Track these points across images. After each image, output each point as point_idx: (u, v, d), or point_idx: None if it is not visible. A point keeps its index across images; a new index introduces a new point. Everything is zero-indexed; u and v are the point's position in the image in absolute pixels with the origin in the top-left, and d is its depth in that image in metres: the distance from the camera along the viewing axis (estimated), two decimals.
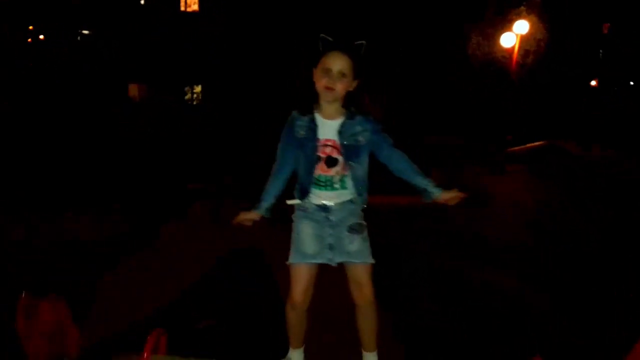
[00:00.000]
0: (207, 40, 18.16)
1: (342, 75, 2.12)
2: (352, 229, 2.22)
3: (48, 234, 5.55)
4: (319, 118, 2.20)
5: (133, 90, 19.95)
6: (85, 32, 20.22)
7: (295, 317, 2.29)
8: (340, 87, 2.13)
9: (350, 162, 2.19)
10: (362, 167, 2.22)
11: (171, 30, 18.36)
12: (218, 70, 18.26)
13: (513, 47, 15.07)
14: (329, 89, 2.12)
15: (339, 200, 2.23)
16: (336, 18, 14.93)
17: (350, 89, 2.17)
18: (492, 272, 4.62)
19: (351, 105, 2.21)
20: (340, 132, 2.18)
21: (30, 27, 19.67)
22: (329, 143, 2.18)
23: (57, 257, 4.74)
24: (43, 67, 17.81)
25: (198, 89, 20.52)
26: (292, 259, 2.23)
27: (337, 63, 2.12)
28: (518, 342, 3.14)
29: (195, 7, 19.84)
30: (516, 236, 5.97)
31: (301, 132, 2.18)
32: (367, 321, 2.29)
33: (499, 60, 16.23)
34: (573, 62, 19.87)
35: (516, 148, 13.04)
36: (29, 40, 20.15)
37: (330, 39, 2.17)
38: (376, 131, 2.22)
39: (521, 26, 14.76)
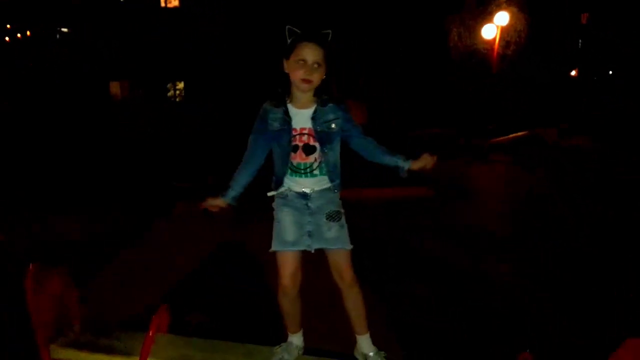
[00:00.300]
0: (188, 36, 18.01)
1: (318, 65, 2.16)
2: (330, 216, 2.27)
3: (37, 233, 5.54)
4: (292, 109, 2.24)
5: (115, 87, 19.74)
6: (64, 29, 19.95)
7: (288, 302, 2.35)
8: (317, 77, 2.17)
9: (323, 148, 2.23)
10: (334, 153, 2.27)
11: (152, 27, 18.19)
12: (200, 67, 18.14)
13: (494, 39, 15.24)
14: (306, 80, 2.15)
15: (318, 187, 2.28)
16: (321, 13, 14.93)
17: (323, 77, 2.21)
18: (477, 261, 4.72)
19: (323, 93, 2.24)
20: (314, 119, 2.22)
21: (8, 26, 19.37)
22: (305, 131, 2.22)
23: (47, 256, 4.73)
24: (22, 67, 17.56)
25: (180, 85, 20.36)
26: (274, 246, 2.28)
27: (313, 54, 2.15)
28: (508, 335, 3.22)
29: (176, 2, 19.65)
30: (501, 225, 6.07)
31: (275, 125, 2.22)
32: (352, 304, 2.34)
33: (480, 52, 16.38)
34: (553, 52, 20.09)
35: (499, 138, 13.19)
36: (7, 39, 19.85)
37: (297, 30, 2.20)
38: (347, 119, 2.27)
39: (502, 17, 14.93)
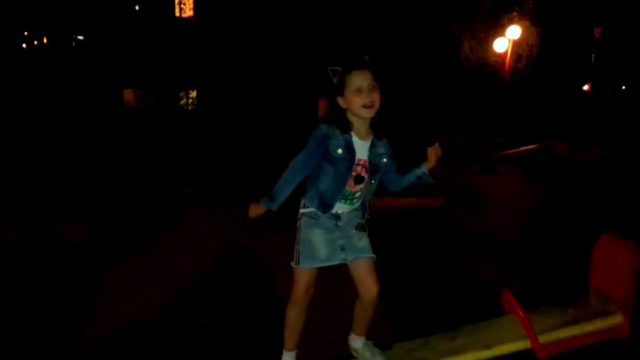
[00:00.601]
0: (202, 46, 18.21)
1: (374, 87, 2.21)
2: (358, 227, 2.36)
3: (46, 235, 5.61)
4: (355, 139, 2.27)
5: (128, 95, 19.98)
6: (80, 37, 20.26)
7: (296, 314, 2.40)
8: (377, 99, 2.22)
9: (371, 179, 2.33)
10: (374, 185, 2.39)
11: (166, 36, 18.42)
12: (213, 76, 18.31)
13: (506, 52, 15.25)
14: (368, 106, 2.20)
15: (349, 210, 2.37)
16: (333, 21, 15.03)
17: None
18: (485, 268, 4.72)
19: (378, 125, 2.31)
20: (370, 152, 2.30)
21: (26, 34, 19.68)
22: (361, 162, 2.29)
23: (55, 258, 4.79)
24: (39, 73, 17.83)
25: (193, 94, 20.54)
26: (304, 263, 2.31)
27: (366, 79, 2.20)
28: None
29: (190, 12, 19.90)
30: (509, 234, 6.07)
31: (339, 151, 2.23)
32: (366, 313, 2.40)
33: (492, 65, 16.39)
34: (565, 66, 20.03)
35: (509, 151, 13.16)
36: (24, 46, 20.18)
37: (339, 68, 2.25)
38: (392, 156, 2.37)
39: (513, 31, 14.95)
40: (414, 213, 6.91)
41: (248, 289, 4.06)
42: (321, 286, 2.46)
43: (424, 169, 2.36)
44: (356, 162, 2.28)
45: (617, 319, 2.40)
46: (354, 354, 2.51)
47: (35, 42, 20.48)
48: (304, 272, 2.34)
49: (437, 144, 2.35)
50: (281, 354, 2.51)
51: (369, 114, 2.22)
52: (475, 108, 16.60)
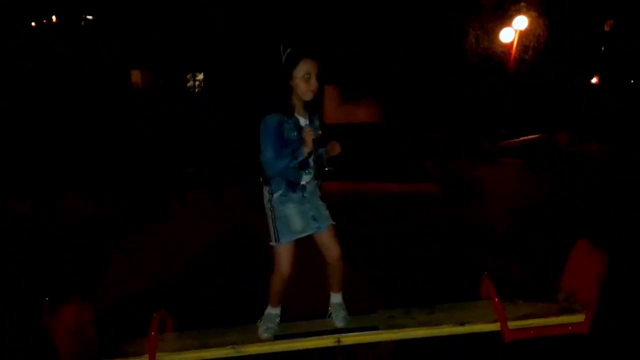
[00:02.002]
0: (210, 28, 18.27)
1: (318, 77, 2.48)
2: (322, 198, 2.64)
3: (55, 211, 5.80)
4: (300, 119, 2.53)
5: (135, 76, 20.11)
6: (89, 17, 20.32)
7: (281, 284, 2.66)
8: (317, 88, 2.49)
9: (316, 150, 2.54)
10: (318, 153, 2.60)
11: (174, 17, 18.46)
12: (220, 58, 18.40)
13: (512, 43, 15.25)
14: (313, 91, 2.48)
15: (309, 180, 2.61)
16: (337, 11, 15.06)
17: None
18: (481, 256, 4.87)
19: (311, 104, 2.55)
20: (311, 127, 2.53)
21: (33, 24, 19.68)
22: None
23: (64, 231, 4.98)
24: (47, 53, 17.94)
25: (200, 76, 20.66)
26: (284, 239, 2.54)
27: (315, 67, 2.46)
28: None
29: None
30: (506, 224, 6.20)
31: (293, 134, 2.47)
32: (336, 273, 2.71)
33: (498, 55, 16.37)
34: (573, 58, 19.96)
35: (510, 141, 13.24)
36: (33, 24, 20.27)
37: (299, 49, 2.48)
38: (321, 125, 2.63)
39: (520, 22, 14.93)
40: (411, 202, 7.02)
41: (247, 263, 4.23)
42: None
43: (324, 151, 2.60)
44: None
45: (579, 317, 2.68)
46: (330, 308, 2.79)
47: (45, 21, 20.54)
48: (284, 248, 2.57)
49: (336, 143, 2.57)
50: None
51: (308, 97, 2.49)
52: (479, 99, 16.61)
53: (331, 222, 2.62)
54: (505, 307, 2.70)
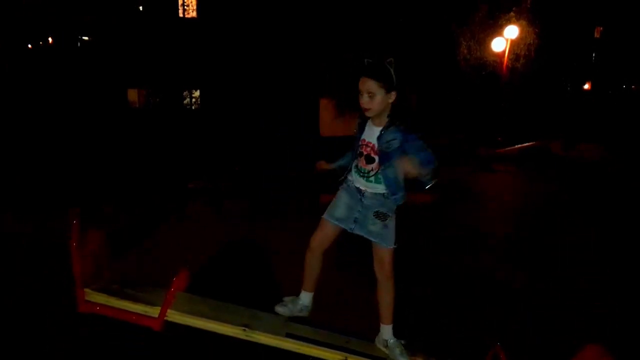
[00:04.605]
0: (205, 46, 18.46)
1: (370, 95, 2.51)
2: (377, 215, 2.64)
3: (54, 227, 5.84)
4: (369, 123, 2.63)
5: (132, 95, 20.26)
6: (85, 38, 20.53)
7: (311, 258, 2.76)
8: (375, 105, 2.52)
9: (382, 165, 2.59)
10: (393, 169, 2.56)
11: (170, 36, 18.66)
12: (216, 76, 18.56)
13: (503, 52, 15.47)
14: (364, 109, 2.55)
15: (371, 191, 2.65)
16: (337, 22, 15.23)
17: (390, 101, 2.54)
18: (476, 260, 4.96)
19: (397, 113, 2.58)
20: (379, 138, 2.58)
21: (29, 46, 19.87)
22: (369, 145, 2.61)
23: (64, 248, 5.03)
24: (45, 73, 18.11)
25: (196, 93, 20.81)
26: (325, 215, 2.72)
27: (365, 86, 2.52)
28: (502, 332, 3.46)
29: (193, 13, 20.15)
30: (502, 231, 6.27)
31: (354, 130, 2.69)
32: (385, 295, 2.72)
33: (490, 64, 16.59)
34: (564, 65, 20.19)
35: (506, 149, 13.38)
36: (30, 46, 20.47)
37: (366, 61, 2.58)
38: (406, 139, 2.54)
39: (511, 31, 15.17)
40: (407, 209, 7.10)
41: (252, 276, 4.30)
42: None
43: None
44: (365, 143, 2.62)
45: None
46: (380, 344, 2.74)
47: (41, 43, 20.75)
48: (324, 223, 2.73)
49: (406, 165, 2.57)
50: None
51: (367, 114, 2.57)
52: (473, 107, 16.79)
53: (376, 240, 2.65)
54: None
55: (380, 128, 2.57)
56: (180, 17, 20.11)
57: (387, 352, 2.68)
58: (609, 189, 9.20)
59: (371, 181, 2.63)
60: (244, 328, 2.59)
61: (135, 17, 19.69)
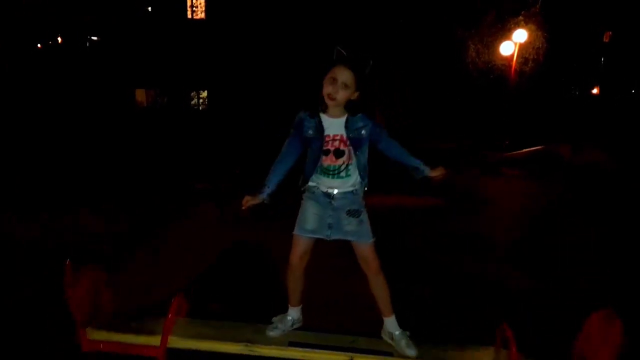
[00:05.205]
0: (213, 47, 18.54)
1: (345, 85, 2.45)
2: (350, 213, 2.58)
3: (64, 227, 5.87)
4: (325, 118, 2.54)
5: (140, 95, 20.37)
6: (94, 38, 20.66)
7: (293, 278, 2.70)
8: (341, 96, 2.46)
9: (356, 152, 2.54)
10: (364, 155, 2.58)
11: (178, 37, 18.76)
12: (224, 76, 18.63)
13: (512, 55, 15.42)
14: (330, 97, 2.46)
15: (342, 190, 2.58)
16: (342, 25, 15.25)
17: (352, 98, 2.50)
18: (482, 266, 4.93)
19: (352, 111, 2.54)
20: (347, 127, 2.53)
21: (39, 46, 19.99)
22: (337, 137, 2.53)
23: (72, 247, 5.05)
24: (54, 73, 18.22)
25: (204, 94, 20.89)
26: (295, 230, 2.63)
27: (342, 75, 2.45)
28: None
29: (202, 15, 20.24)
30: (509, 235, 6.22)
31: (309, 132, 2.53)
32: (378, 290, 2.67)
33: (498, 68, 16.55)
34: (572, 70, 20.11)
35: (513, 152, 13.31)
36: (39, 46, 20.60)
37: (344, 52, 2.51)
38: (375, 125, 2.57)
39: (520, 35, 15.12)
40: (415, 213, 7.09)
41: (255, 278, 4.30)
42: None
43: (427, 170, 2.61)
44: (331, 138, 2.52)
45: None
46: (386, 337, 2.71)
47: (50, 42, 20.88)
48: (297, 239, 2.64)
49: (448, 171, 2.61)
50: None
51: (329, 103, 2.48)
52: (480, 111, 16.76)
53: (357, 239, 2.60)
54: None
55: (343, 118, 2.53)
56: (189, 18, 20.22)
57: (393, 344, 2.66)
58: (616, 194, 9.14)
59: (342, 177, 2.56)
60: (246, 344, 2.62)
61: (144, 18, 19.81)
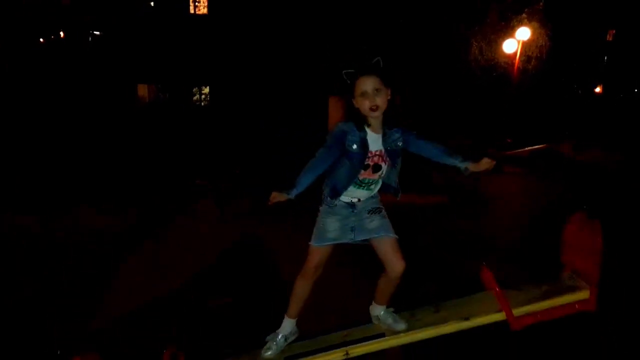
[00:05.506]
0: (215, 43, 18.48)
1: (377, 90, 2.47)
2: (371, 211, 2.63)
3: (64, 223, 5.87)
4: (370, 134, 2.54)
5: (142, 90, 20.32)
6: (96, 33, 20.60)
7: (303, 287, 2.68)
8: (381, 101, 2.48)
9: (394, 164, 2.60)
10: (396, 169, 2.64)
11: (180, 32, 18.70)
12: (226, 72, 18.58)
13: (515, 53, 15.35)
14: (373, 108, 2.46)
15: (364, 198, 2.64)
16: (342, 21, 15.19)
17: (389, 98, 2.53)
18: (489, 265, 4.90)
19: (389, 118, 2.57)
20: (384, 141, 2.56)
21: (41, 40, 19.92)
22: (377, 153, 2.56)
23: (74, 243, 5.05)
24: (55, 68, 18.18)
25: (206, 90, 20.85)
26: (314, 242, 2.61)
27: (370, 83, 2.46)
28: None
29: (204, 10, 20.18)
30: (511, 232, 6.23)
31: (354, 147, 2.50)
32: (389, 286, 2.70)
33: (501, 66, 16.47)
34: (576, 68, 20.02)
35: (515, 150, 13.28)
36: (41, 40, 20.55)
37: (352, 70, 2.52)
38: (405, 132, 2.60)
39: (523, 33, 15.04)
40: (417, 211, 7.07)
41: (258, 274, 4.29)
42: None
43: (467, 165, 2.59)
44: (373, 154, 2.55)
45: (584, 294, 2.61)
46: (375, 321, 2.77)
47: (52, 37, 20.82)
48: (315, 250, 2.62)
49: (493, 162, 2.60)
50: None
51: (374, 114, 2.49)
52: (483, 109, 16.69)
53: (384, 234, 2.60)
54: (508, 294, 2.69)
55: (380, 134, 2.55)
56: (191, 14, 20.16)
57: (381, 325, 2.73)
58: (618, 193, 9.10)
59: (371, 189, 2.62)
60: None
61: (146, 13, 19.75)
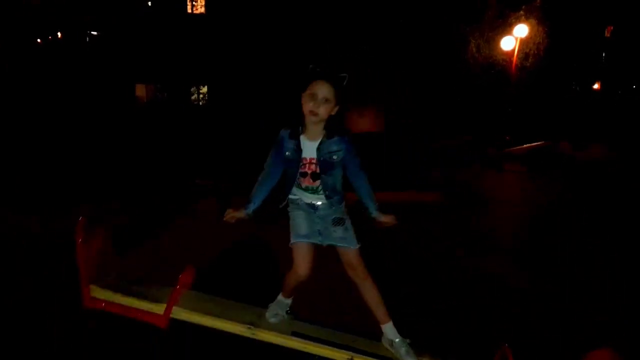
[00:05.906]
0: (213, 42, 18.48)
1: (326, 100, 2.42)
2: (335, 222, 2.60)
3: (63, 230, 5.85)
4: (303, 141, 2.51)
5: (140, 90, 20.33)
6: (94, 33, 20.60)
7: (295, 281, 2.66)
8: (324, 111, 2.43)
9: (322, 175, 2.53)
10: (332, 178, 2.55)
11: (178, 32, 18.70)
12: (224, 72, 18.59)
13: (513, 50, 15.38)
14: (312, 112, 2.41)
15: (320, 202, 2.60)
16: (341, 21, 15.20)
17: (332, 113, 2.47)
18: (482, 260, 4.93)
19: (332, 127, 2.51)
20: (318, 150, 2.50)
21: (38, 41, 19.92)
22: (313, 161, 2.51)
23: (73, 248, 5.04)
24: (54, 68, 18.17)
25: (204, 89, 20.85)
26: (292, 239, 2.58)
27: (322, 90, 2.42)
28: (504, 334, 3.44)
29: (202, 9, 20.18)
30: (510, 230, 6.25)
31: (288, 154, 2.51)
32: (368, 296, 2.64)
33: (499, 63, 16.51)
34: (574, 65, 20.04)
35: (514, 148, 13.31)
36: (39, 41, 20.55)
37: (318, 69, 2.47)
38: (349, 151, 2.53)
39: (521, 30, 15.08)
40: (417, 211, 7.07)
41: (258, 272, 4.30)
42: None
43: (376, 215, 2.59)
44: (308, 161, 2.51)
45: None
46: (387, 345, 2.68)
47: (50, 37, 20.82)
48: (296, 247, 2.59)
49: (396, 221, 2.60)
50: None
51: (312, 119, 2.45)
52: (481, 107, 16.73)
53: (345, 244, 2.58)
54: None
55: (317, 142, 2.50)
56: (189, 13, 20.16)
57: (393, 351, 2.64)
58: (617, 190, 9.13)
59: (321, 194, 2.59)
60: (249, 326, 2.57)
61: (144, 12, 19.74)
